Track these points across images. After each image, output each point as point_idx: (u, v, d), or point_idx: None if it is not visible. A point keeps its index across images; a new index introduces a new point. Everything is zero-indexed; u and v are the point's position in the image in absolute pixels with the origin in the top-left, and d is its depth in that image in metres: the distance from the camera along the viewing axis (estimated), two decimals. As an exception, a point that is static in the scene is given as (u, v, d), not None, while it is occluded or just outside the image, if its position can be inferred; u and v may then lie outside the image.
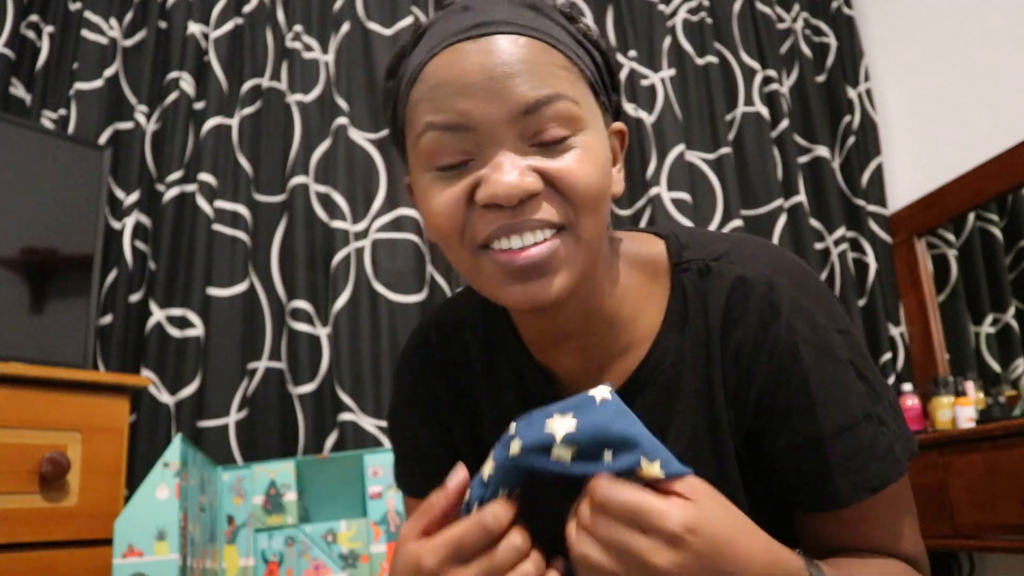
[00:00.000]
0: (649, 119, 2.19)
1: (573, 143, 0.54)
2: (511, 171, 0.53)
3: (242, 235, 1.89)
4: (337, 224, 1.92)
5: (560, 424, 0.48)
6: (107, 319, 1.77)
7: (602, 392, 0.50)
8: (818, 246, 2.25)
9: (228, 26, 2.02)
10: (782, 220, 2.18)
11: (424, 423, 0.72)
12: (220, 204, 1.89)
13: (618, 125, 0.63)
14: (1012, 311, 1.97)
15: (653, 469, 0.47)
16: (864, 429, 0.58)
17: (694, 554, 0.45)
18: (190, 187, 1.89)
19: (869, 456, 0.58)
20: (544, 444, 0.48)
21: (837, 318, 0.61)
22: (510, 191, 0.52)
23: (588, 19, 0.54)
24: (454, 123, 0.53)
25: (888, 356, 2.18)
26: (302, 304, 1.86)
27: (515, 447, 0.49)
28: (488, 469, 0.51)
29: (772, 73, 2.34)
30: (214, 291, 1.82)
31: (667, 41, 2.28)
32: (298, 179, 1.93)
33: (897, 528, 0.60)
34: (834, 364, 0.59)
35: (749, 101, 2.29)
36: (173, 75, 1.94)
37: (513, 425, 0.51)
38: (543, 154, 0.54)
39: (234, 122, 1.97)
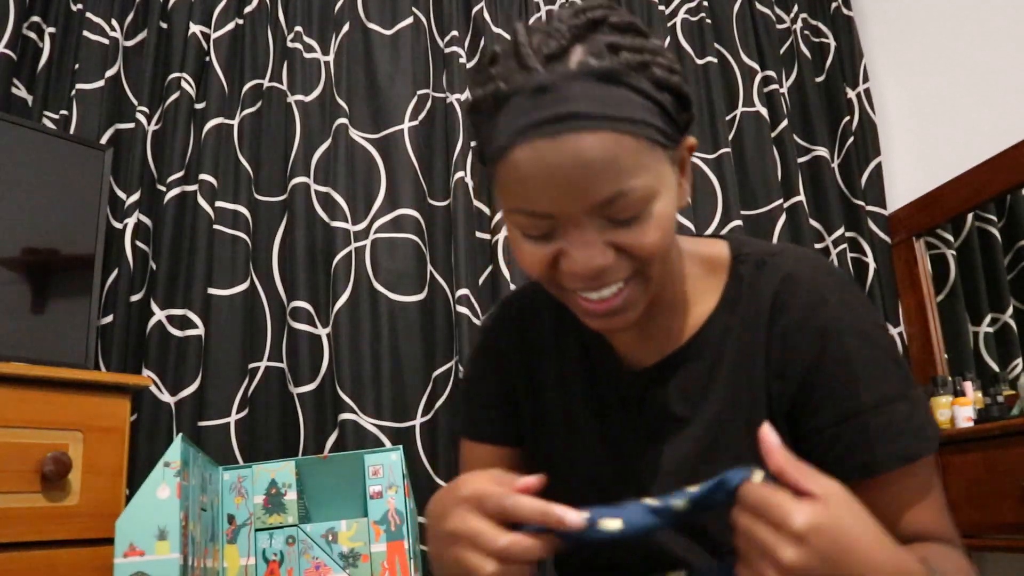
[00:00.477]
0: (649, 119, 2.19)
1: (643, 215, 0.61)
2: (588, 251, 0.60)
3: (243, 235, 1.90)
4: (337, 224, 1.92)
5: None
6: (108, 319, 1.78)
7: None
8: (817, 246, 2.25)
9: (229, 26, 2.03)
10: (781, 220, 2.18)
11: (492, 375, 0.83)
12: (221, 204, 1.90)
13: (688, 141, 0.70)
14: (1010, 311, 1.98)
15: (759, 476, 0.52)
16: (900, 406, 0.65)
17: (817, 553, 0.48)
18: (191, 187, 1.89)
19: (905, 429, 0.64)
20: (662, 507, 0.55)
21: (876, 317, 0.69)
22: (587, 272, 0.61)
23: (664, 56, 0.58)
24: (537, 212, 0.60)
25: (887, 356, 2.18)
26: (302, 304, 1.86)
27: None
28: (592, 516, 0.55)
29: (771, 73, 2.34)
30: (215, 291, 1.83)
31: (667, 41, 2.29)
32: (298, 179, 1.94)
33: (932, 509, 0.66)
34: (874, 349, 0.66)
35: (749, 101, 2.29)
36: (174, 75, 1.95)
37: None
38: (618, 228, 0.61)
39: (235, 122, 1.97)
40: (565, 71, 0.58)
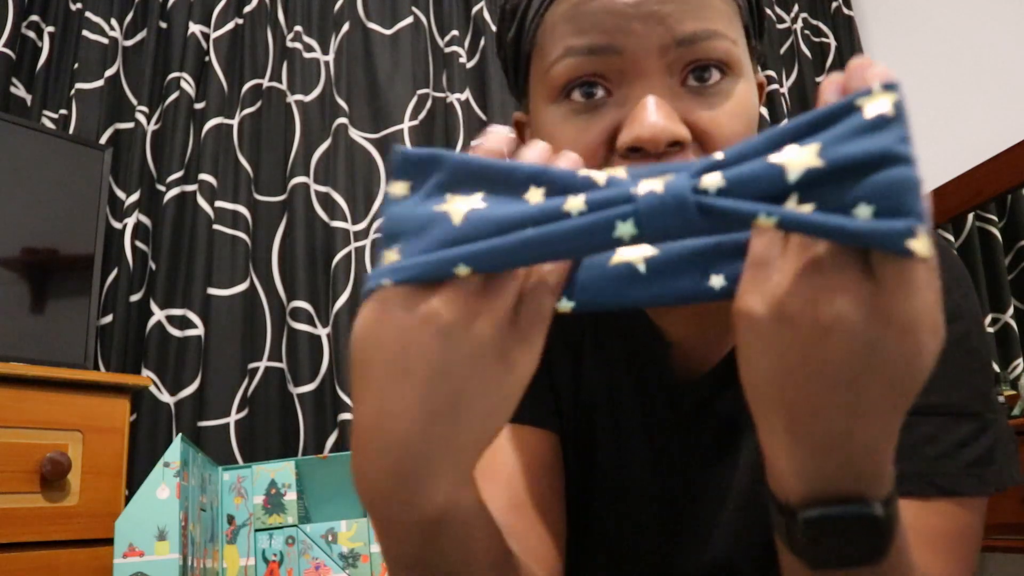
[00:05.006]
0: (649, 119, 2.19)
1: (728, 89, 0.47)
2: (659, 112, 0.45)
3: (242, 235, 1.89)
4: (337, 224, 1.92)
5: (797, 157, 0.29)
6: (107, 319, 1.77)
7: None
8: (818, 246, 2.25)
9: (228, 26, 2.02)
10: (782, 220, 2.18)
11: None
12: (220, 204, 1.89)
13: (759, 77, 0.55)
14: (1011, 311, 1.97)
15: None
16: (960, 425, 0.50)
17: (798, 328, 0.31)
18: (190, 187, 1.89)
19: (951, 455, 0.49)
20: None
21: (979, 315, 0.54)
22: (657, 134, 0.44)
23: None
24: (599, 45, 0.46)
25: (887, 356, 2.18)
26: (302, 304, 1.86)
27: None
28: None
29: (772, 73, 2.34)
30: (214, 291, 1.83)
31: (667, 41, 2.29)
32: (298, 179, 1.93)
33: (952, 566, 0.48)
34: (960, 349, 0.50)
35: (749, 101, 2.29)
36: (174, 75, 1.94)
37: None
38: (694, 99, 0.47)
39: (234, 122, 1.97)
40: None
